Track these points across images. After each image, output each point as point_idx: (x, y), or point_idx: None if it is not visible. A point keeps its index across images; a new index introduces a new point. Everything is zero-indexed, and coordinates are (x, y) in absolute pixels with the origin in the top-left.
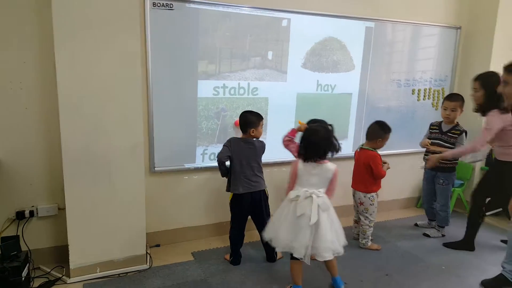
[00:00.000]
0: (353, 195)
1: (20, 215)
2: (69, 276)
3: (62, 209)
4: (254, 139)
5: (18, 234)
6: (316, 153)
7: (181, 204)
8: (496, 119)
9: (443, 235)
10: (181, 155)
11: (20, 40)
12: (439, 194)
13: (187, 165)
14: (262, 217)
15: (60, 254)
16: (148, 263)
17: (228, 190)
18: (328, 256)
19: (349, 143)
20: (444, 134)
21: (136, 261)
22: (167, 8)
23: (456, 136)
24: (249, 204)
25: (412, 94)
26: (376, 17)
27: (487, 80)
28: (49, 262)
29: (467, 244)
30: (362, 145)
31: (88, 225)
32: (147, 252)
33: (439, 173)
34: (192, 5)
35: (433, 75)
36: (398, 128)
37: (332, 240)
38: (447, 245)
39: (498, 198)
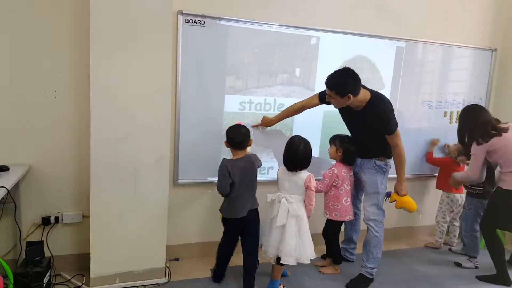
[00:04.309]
0: (456, 201)
1: (45, 221)
2: (88, 285)
3: (86, 217)
4: (249, 154)
5: (42, 239)
6: (293, 166)
7: (202, 218)
8: (480, 146)
9: (476, 267)
10: (205, 168)
11: (56, 51)
12: (463, 219)
13: (210, 179)
14: (252, 238)
15: (81, 262)
16: (166, 277)
17: (223, 212)
18: (290, 261)
19: None
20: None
21: (155, 274)
22: (199, 24)
23: None
24: (244, 224)
25: (444, 116)
26: (408, 37)
27: (461, 115)
28: (70, 269)
29: (501, 278)
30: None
31: (110, 234)
32: (166, 266)
33: (466, 196)
34: (222, 22)
35: (466, 98)
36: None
37: (295, 247)
38: (481, 278)
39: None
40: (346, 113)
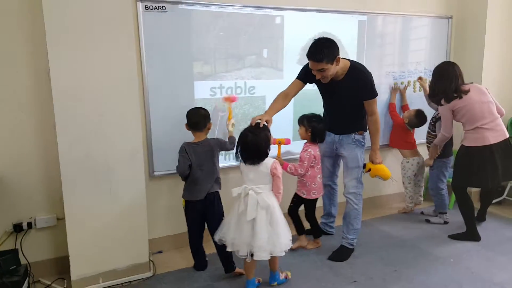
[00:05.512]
0: (416, 164)
1: (17, 228)
2: None
3: (61, 219)
4: (209, 138)
5: (16, 247)
6: (248, 156)
7: (182, 208)
8: (444, 106)
9: (445, 222)
10: None
11: (10, 48)
12: (429, 179)
13: None
14: (216, 219)
15: (61, 266)
16: (151, 271)
17: (185, 197)
18: (263, 256)
19: None
20: (430, 123)
21: (139, 269)
22: (160, 10)
23: (432, 123)
24: (204, 208)
25: (408, 85)
26: (368, 11)
27: (432, 77)
28: (50, 274)
29: (471, 234)
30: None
31: (88, 234)
32: (150, 260)
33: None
34: (184, 7)
35: (427, 66)
36: None
37: (268, 240)
38: (453, 236)
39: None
40: (328, 86)
